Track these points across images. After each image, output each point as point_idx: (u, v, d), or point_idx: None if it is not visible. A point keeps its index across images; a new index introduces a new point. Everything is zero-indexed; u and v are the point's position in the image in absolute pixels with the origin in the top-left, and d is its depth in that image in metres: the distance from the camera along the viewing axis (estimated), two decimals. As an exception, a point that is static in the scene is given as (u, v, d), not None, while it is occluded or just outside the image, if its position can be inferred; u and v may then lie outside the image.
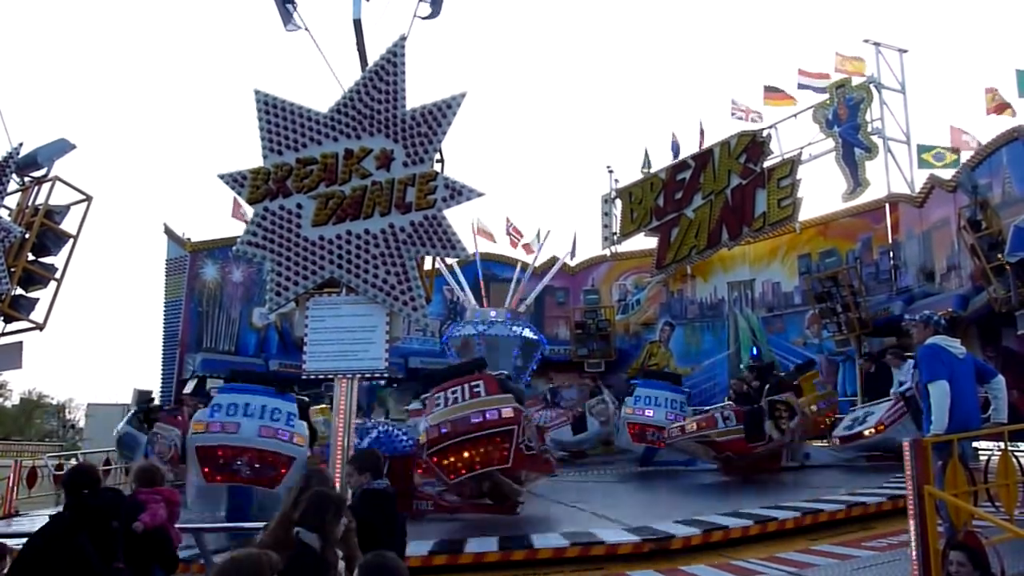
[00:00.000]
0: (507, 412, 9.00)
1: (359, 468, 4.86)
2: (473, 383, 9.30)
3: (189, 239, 21.54)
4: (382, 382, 19.73)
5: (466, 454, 8.95)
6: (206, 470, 8.62)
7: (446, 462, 9.01)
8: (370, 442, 10.15)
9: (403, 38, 7.50)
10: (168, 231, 21.71)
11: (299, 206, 7.34)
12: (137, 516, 4.54)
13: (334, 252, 7.26)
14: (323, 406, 14.12)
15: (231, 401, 9.03)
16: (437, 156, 7.48)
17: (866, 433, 12.40)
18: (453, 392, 9.26)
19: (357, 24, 8.02)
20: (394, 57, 7.44)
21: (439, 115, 7.36)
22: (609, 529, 8.19)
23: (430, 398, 9.64)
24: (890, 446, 11.77)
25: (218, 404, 9.02)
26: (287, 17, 8.43)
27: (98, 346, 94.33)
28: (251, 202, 7.42)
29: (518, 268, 20.79)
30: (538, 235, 22.58)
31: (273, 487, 8.58)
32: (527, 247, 23.02)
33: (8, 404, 56.63)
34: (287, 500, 4.10)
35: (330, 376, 7.32)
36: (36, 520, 10.73)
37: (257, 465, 8.60)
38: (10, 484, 13.19)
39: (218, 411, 8.90)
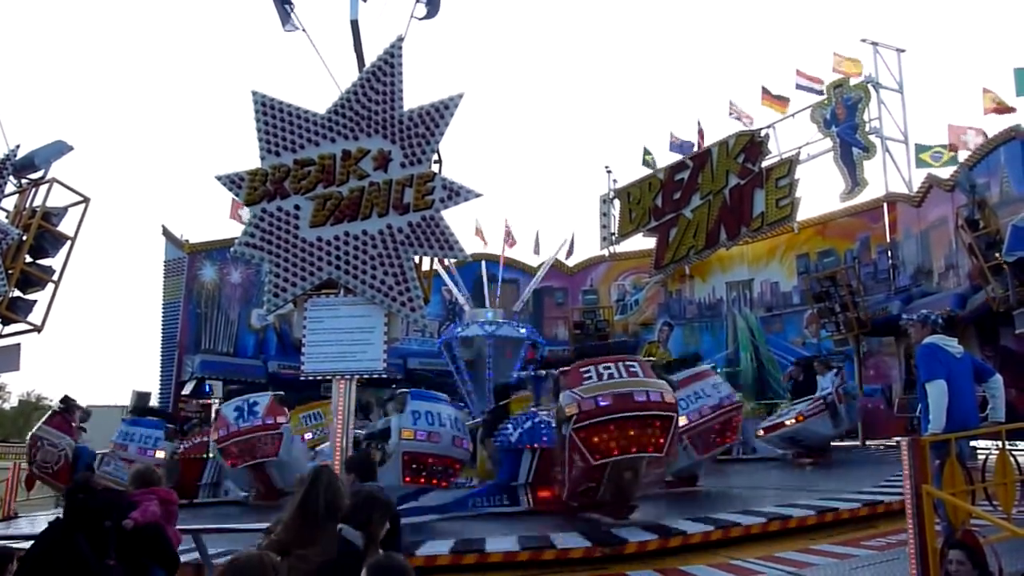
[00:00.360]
0: (669, 397, 8.41)
1: (347, 469, 4.90)
2: (628, 362, 8.62)
3: (187, 240, 21.52)
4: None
5: (623, 433, 8.05)
6: (407, 472, 9.36)
7: (596, 439, 8.06)
8: (521, 432, 10.22)
9: (400, 39, 7.51)
10: (166, 232, 21.69)
11: (297, 207, 7.35)
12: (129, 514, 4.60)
13: (332, 253, 7.27)
14: (524, 394, 13.40)
15: (427, 409, 9.71)
16: (435, 157, 7.49)
17: (787, 423, 14.14)
18: (606, 368, 8.48)
19: (354, 25, 8.03)
20: (391, 58, 7.46)
21: (436, 116, 7.37)
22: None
23: (573, 372, 8.80)
24: (805, 439, 14.02)
25: (416, 412, 9.65)
26: (285, 17, 8.44)
27: (96, 348, 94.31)
28: (249, 203, 7.42)
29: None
30: (536, 239, 22.62)
31: (447, 487, 9.96)
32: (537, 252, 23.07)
33: (7, 406, 56.66)
34: (295, 498, 4.09)
35: (328, 377, 7.32)
36: (35, 522, 10.73)
37: (446, 470, 9.68)
38: (9, 486, 13.16)
39: (418, 419, 9.51)
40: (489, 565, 6.89)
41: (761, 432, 14.81)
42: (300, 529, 3.85)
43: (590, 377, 8.44)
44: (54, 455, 12.27)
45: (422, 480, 9.52)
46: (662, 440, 8.17)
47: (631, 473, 8.38)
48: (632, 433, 8.05)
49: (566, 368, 9.06)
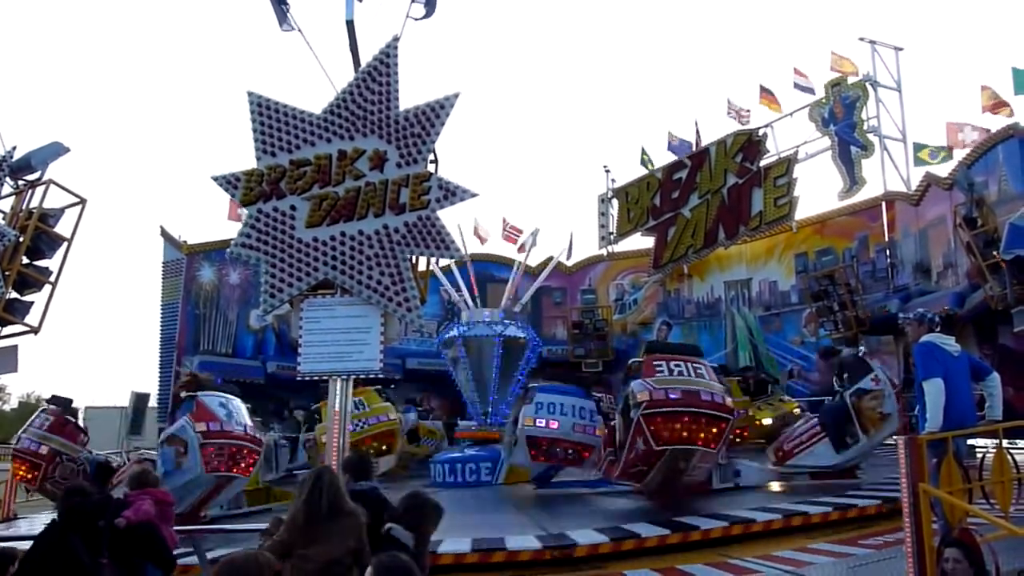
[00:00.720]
0: (728, 401, 9.25)
1: (343, 468, 4.91)
2: (695, 363, 9.38)
3: (185, 241, 21.51)
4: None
5: (687, 426, 8.77)
6: (533, 452, 11.06)
7: (662, 427, 8.75)
8: None
9: (396, 39, 7.50)
10: (164, 233, 21.67)
11: (293, 208, 7.33)
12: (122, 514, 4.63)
13: (328, 253, 7.25)
14: None
15: (550, 401, 11.12)
16: (431, 157, 7.48)
17: None
18: (676, 365, 9.22)
19: (350, 25, 8.01)
20: (387, 58, 7.44)
21: (432, 116, 7.36)
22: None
23: (647, 363, 9.41)
24: None
25: (540, 403, 11.07)
26: (282, 17, 8.41)
27: (95, 349, 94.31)
28: (245, 204, 7.41)
29: (515, 269, 20.49)
30: (534, 236, 22.54)
31: (580, 466, 11.32)
32: (521, 247, 22.97)
33: (6, 408, 56.62)
34: (297, 498, 4.08)
35: (325, 377, 7.31)
36: (35, 523, 10.70)
37: (571, 451, 11.10)
38: (9, 488, 13.13)
39: (541, 409, 11.00)
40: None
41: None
42: (303, 529, 3.86)
43: (661, 370, 9.16)
44: (73, 470, 11.29)
45: (548, 459, 11.16)
46: (717, 439, 8.92)
47: (685, 463, 9.09)
48: (695, 427, 8.79)
49: (639, 359, 9.85)
